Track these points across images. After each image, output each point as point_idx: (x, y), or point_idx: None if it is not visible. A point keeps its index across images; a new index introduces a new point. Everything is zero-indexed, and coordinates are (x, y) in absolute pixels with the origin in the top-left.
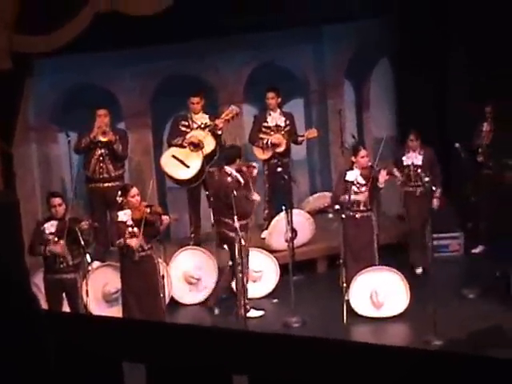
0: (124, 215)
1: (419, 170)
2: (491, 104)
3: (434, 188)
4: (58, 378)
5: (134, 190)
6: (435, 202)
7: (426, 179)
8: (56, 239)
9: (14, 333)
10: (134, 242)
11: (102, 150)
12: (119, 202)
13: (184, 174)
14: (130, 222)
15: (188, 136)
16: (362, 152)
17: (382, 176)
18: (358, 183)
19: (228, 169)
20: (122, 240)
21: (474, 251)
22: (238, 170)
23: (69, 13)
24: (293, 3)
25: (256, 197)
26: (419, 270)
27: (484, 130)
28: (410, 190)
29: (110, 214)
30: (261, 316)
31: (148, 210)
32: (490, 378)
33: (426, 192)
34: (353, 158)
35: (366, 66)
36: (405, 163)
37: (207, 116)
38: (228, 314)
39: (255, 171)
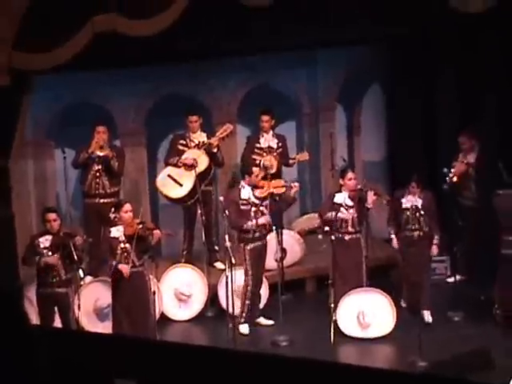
0: (117, 231)
1: (418, 214)
2: (465, 135)
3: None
4: None
5: (127, 206)
6: (434, 250)
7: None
8: (50, 253)
9: (4, 348)
10: (125, 269)
11: (99, 166)
12: (112, 217)
13: (177, 192)
14: (122, 238)
15: (183, 156)
16: (350, 174)
17: (370, 196)
18: (346, 205)
19: (242, 183)
20: (114, 263)
21: (451, 280)
22: (254, 187)
23: (68, 31)
24: (289, 28)
25: (264, 220)
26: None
27: (459, 161)
28: (406, 234)
29: (103, 229)
30: (271, 324)
31: (140, 226)
32: None
33: (425, 236)
34: (341, 181)
35: (357, 91)
36: (404, 206)
37: (205, 135)
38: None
39: (293, 191)
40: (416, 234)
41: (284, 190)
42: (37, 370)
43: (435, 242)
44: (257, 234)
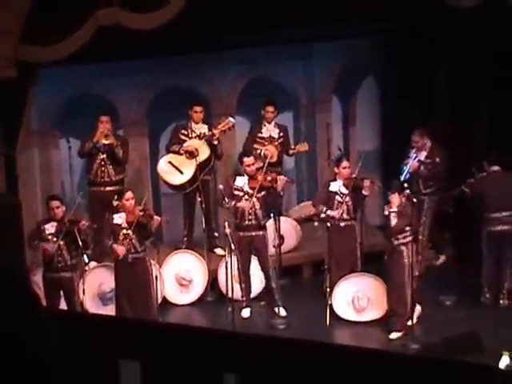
0: (119, 218)
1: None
2: (418, 133)
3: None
4: (56, 375)
5: (129, 194)
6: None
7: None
8: (55, 239)
9: (16, 330)
10: (120, 250)
11: (104, 155)
12: (115, 205)
13: (177, 179)
14: (124, 225)
15: (185, 144)
16: (345, 163)
17: (367, 184)
18: (341, 193)
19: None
20: (111, 242)
21: (435, 263)
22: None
23: (73, 25)
24: (286, 21)
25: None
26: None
27: (411, 158)
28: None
29: (107, 216)
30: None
31: (141, 214)
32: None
33: (399, 249)
34: (336, 169)
35: (353, 83)
36: (385, 212)
37: (206, 126)
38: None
39: (279, 185)
40: (394, 241)
41: (271, 184)
42: (48, 353)
43: (418, 258)
44: (245, 223)
